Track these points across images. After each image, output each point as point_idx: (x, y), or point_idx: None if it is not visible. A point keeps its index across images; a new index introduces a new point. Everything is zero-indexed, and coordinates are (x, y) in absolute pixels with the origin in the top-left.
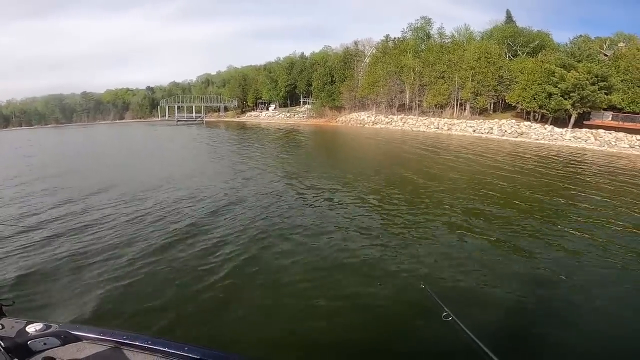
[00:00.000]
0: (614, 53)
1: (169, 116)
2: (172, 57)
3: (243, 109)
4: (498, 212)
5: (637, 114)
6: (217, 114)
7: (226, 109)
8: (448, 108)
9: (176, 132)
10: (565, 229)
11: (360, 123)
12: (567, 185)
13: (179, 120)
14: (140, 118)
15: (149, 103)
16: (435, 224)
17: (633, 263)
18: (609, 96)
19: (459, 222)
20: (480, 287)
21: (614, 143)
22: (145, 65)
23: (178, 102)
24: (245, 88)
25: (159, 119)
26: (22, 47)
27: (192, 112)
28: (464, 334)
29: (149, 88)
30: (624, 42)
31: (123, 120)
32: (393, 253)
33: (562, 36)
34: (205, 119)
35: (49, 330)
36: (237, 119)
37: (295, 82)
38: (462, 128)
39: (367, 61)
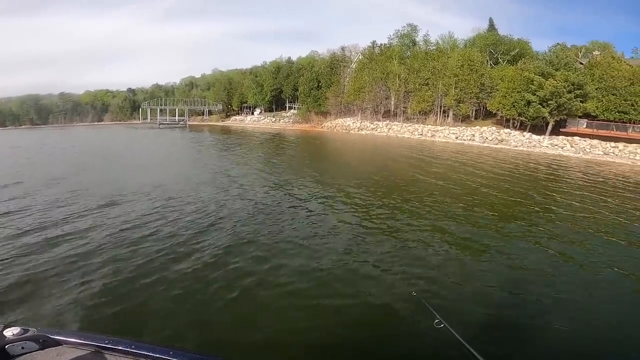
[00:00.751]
0: (589, 61)
1: (151, 119)
2: (156, 59)
3: (228, 113)
4: (487, 217)
5: (611, 121)
6: (200, 117)
7: (210, 112)
8: (432, 115)
9: (159, 135)
10: (553, 232)
11: (346, 129)
12: (550, 191)
13: (161, 124)
14: (120, 120)
15: (130, 105)
16: (425, 230)
17: (623, 263)
18: (584, 104)
19: (449, 229)
20: (471, 293)
21: (588, 150)
22: (127, 67)
23: (161, 105)
24: (231, 92)
25: (140, 121)
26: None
27: (175, 115)
28: (456, 340)
29: (130, 90)
30: (598, 51)
31: (102, 123)
32: (383, 260)
33: (541, 44)
34: (188, 123)
35: (27, 334)
36: (221, 123)
37: (281, 86)
38: (445, 135)
39: (354, 67)
